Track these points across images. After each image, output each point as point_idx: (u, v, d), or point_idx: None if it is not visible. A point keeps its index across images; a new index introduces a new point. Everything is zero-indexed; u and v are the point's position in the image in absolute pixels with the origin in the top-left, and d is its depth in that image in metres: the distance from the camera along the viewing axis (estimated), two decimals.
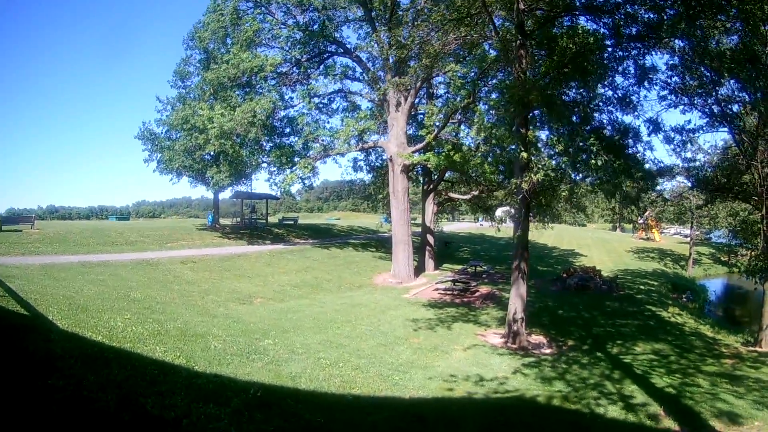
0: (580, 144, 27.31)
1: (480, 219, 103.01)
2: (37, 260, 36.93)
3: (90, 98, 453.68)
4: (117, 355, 15.80)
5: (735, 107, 37.26)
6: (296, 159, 54.60)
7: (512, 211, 70.90)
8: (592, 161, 26.13)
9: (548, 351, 27.41)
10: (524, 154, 26.58)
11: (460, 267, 60.01)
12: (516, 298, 28.81)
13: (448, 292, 42.62)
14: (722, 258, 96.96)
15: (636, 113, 29.47)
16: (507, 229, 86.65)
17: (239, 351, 19.60)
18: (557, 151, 27.67)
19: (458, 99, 46.98)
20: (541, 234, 56.20)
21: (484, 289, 45.49)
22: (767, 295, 36.27)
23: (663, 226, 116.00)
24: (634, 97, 28.93)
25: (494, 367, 23.16)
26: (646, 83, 29.17)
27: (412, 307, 36.50)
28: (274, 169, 57.98)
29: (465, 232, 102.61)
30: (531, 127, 28.96)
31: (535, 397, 19.01)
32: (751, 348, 34.32)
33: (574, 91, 29.82)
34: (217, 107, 52.29)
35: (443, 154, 48.32)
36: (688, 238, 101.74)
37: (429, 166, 51.43)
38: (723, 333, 40.92)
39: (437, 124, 50.07)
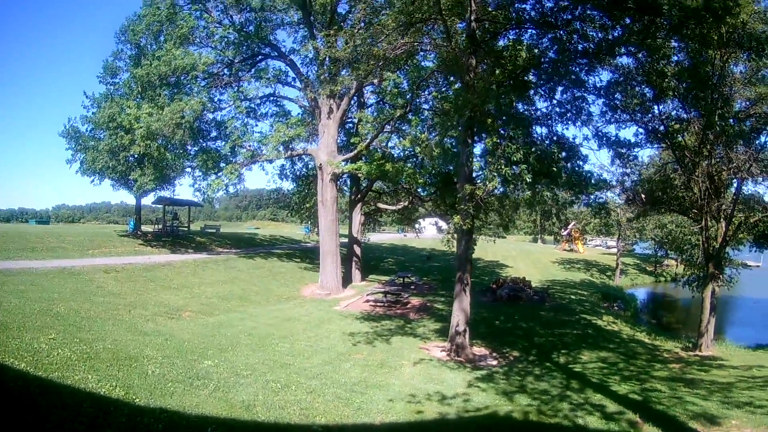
0: (538, 153, 28.02)
1: (402, 230, 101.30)
2: None
3: (10, 93, 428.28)
4: (44, 388, 14.08)
5: (676, 125, 38.07)
6: (222, 164, 53.36)
7: (440, 223, 70.30)
8: (553, 169, 27.83)
9: (494, 363, 27.48)
10: (476, 164, 28.01)
11: (387, 278, 60.01)
12: (459, 311, 28.55)
13: (379, 304, 42.43)
14: (648, 268, 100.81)
15: (577, 125, 31.54)
16: (426, 240, 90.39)
17: (180, 376, 18.10)
18: (515, 159, 26.47)
19: (393, 108, 46.73)
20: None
21: (415, 301, 45.39)
22: (705, 303, 37.82)
23: (586, 237, 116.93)
24: (576, 111, 30.75)
25: (449, 382, 22.69)
26: (587, 98, 31.13)
27: (345, 320, 36.04)
28: (199, 174, 56.89)
29: (388, 243, 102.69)
30: (477, 137, 29.74)
31: (509, 414, 18.59)
32: (691, 353, 36.29)
33: (521, 103, 30.68)
34: (144, 106, 51.16)
35: (374, 163, 46.92)
36: (614, 249, 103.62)
37: (359, 175, 50.95)
38: (660, 339, 42.65)
39: (367, 133, 50.00)
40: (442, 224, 70.70)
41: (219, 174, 52.33)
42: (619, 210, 74.03)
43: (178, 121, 48.71)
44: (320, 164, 49.61)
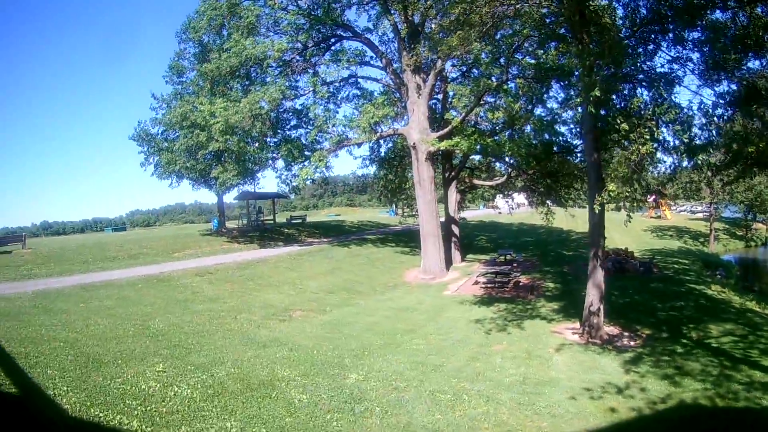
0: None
1: (491, 206, 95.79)
2: (29, 286, 30.62)
3: (73, 108, 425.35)
4: None
5: None
6: (306, 153, 49.77)
7: (521, 198, 65.31)
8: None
9: (631, 343, 25.14)
10: (625, 125, 23.95)
11: (485, 257, 56.05)
12: (593, 289, 26.31)
13: (489, 285, 38.98)
14: (738, 233, 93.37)
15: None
16: (515, 215, 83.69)
17: (333, 401, 15.82)
18: (666, 120, 24.42)
19: (489, 78, 39.36)
20: (553, 218, 51.82)
21: (524, 279, 41.98)
22: None
23: (671, 203, 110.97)
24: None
25: (607, 369, 20.96)
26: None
27: (463, 307, 33.13)
28: (283, 164, 52.29)
29: (476, 220, 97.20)
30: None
31: (696, 401, 17.25)
32: None
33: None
34: (218, 101, 47.09)
35: (472, 138, 41.86)
36: (699, 215, 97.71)
37: (457, 151, 46.17)
38: None
39: (465, 106, 45.40)
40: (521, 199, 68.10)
41: (305, 163, 48.82)
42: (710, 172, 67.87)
43: (257, 111, 45.48)
44: (413, 143, 45.96)
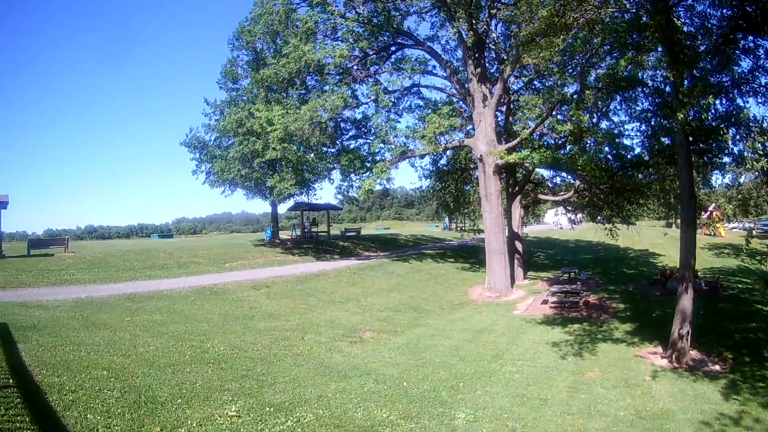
0: None
1: (558, 221, 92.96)
2: (70, 292, 28.14)
3: (122, 112, 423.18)
4: None
5: None
6: (367, 164, 46.21)
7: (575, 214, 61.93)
8: None
9: (718, 368, 23.42)
10: (728, 137, 24.23)
11: (547, 275, 51.78)
12: (681, 313, 24.50)
13: (559, 305, 36.19)
14: None
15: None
16: (569, 232, 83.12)
17: None
18: None
19: (562, 88, 38.26)
20: (604, 235, 51.99)
21: (592, 299, 38.76)
22: None
23: (724, 220, 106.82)
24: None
25: (711, 398, 19.28)
26: None
27: (538, 328, 30.51)
28: (341, 175, 49.57)
29: (532, 236, 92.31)
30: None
31: None
32: None
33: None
34: (275, 108, 44.94)
35: (542, 151, 39.92)
36: (754, 231, 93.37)
37: (526, 164, 43.82)
38: None
39: (536, 117, 42.95)
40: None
41: (367, 174, 45.36)
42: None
43: (317, 119, 43.43)
44: (480, 155, 42.37)
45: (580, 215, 60.18)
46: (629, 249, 71.04)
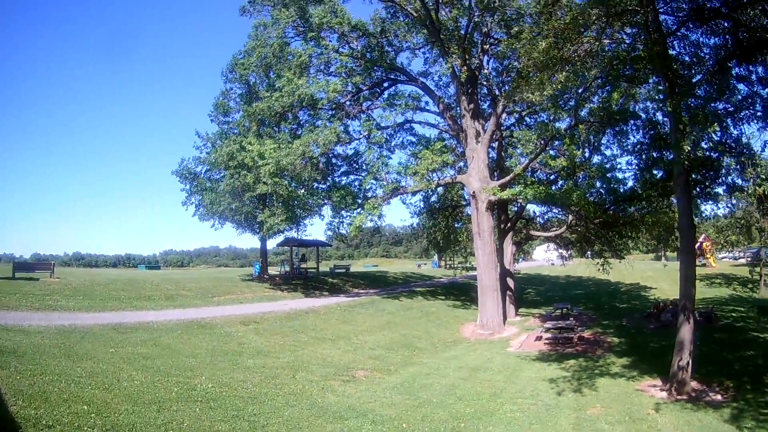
0: None
1: (549, 258, 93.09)
2: (54, 319, 27.00)
3: (113, 141, 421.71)
4: None
5: None
6: (358, 200, 46.16)
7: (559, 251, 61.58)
8: None
9: (720, 397, 23.17)
10: (732, 162, 24.74)
11: (538, 311, 51.15)
12: (682, 344, 24.24)
13: (553, 341, 35.77)
14: None
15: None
16: (557, 268, 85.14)
17: None
18: None
19: (557, 123, 38.96)
20: (595, 270, 52.66)
21: (586, 334, 38.22)
22: None
23: (713, 250, 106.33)
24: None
25: (720, 429, 18.90)
26: None
27: (533, 365, 30.04)
28: (331, 212, 49.27)
29: (522, 273, 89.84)
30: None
31: None
32: None
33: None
34: (267, 142, 44.64)
35: (537, 187, 39.88)
36: (742, 260, 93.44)
37: (520, 200, 43.20)
38: None
39: (529, 153, 42.63)
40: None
41: (358, 210, 45.41)
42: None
43: (310, 154, 42.68)
44: (473, 192, 42.20)
45: (570, 251, 60.76)
46: (620, 283, 71.12)
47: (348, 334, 35.18)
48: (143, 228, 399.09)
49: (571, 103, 35.91)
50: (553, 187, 42.78)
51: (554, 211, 52.15)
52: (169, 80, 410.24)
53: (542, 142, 40.10)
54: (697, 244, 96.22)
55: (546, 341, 35.68)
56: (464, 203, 54.34)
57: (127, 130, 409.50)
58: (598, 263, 50.17)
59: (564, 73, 24.96)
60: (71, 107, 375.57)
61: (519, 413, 20.27)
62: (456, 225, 59.02)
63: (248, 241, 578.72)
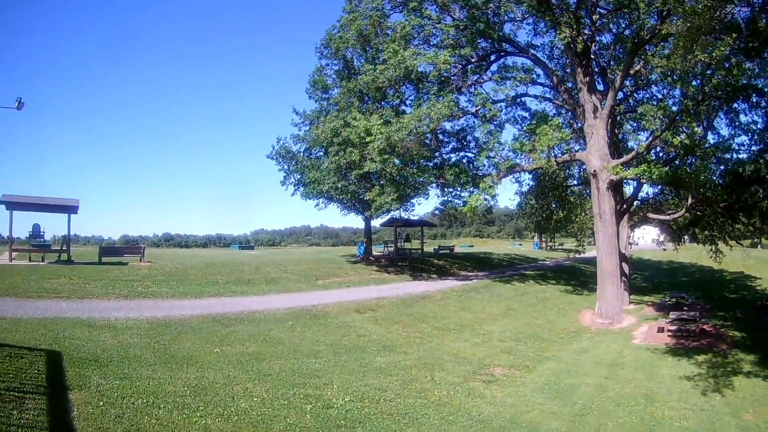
0: None
1: (659, 241, 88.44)
2: (144, 308, 23.79)
3: (202, 123, 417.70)
4: None
5: None
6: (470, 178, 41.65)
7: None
8: None
9: None
10: None
11: (652, 299, 45.67)
12: None
13: (677, 333, 31.53)
14: None
15: None
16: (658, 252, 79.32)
17: None
18: None
19: (683, 96, 35.21)
20: (696, 255, 49.19)
21: (707, 327, 33.40)
22: None
23: None
24: None
25: None
26: None
27: (665, 361, 26.58)
28: (439, 190, 46.03)
29: None
30: None
31: None
32: None
33: None
34: (374, 117, 40.49)
35: (661, 166, 35.61)
36: None
37: (643, 180, 38.21)
38: None
39: (656, 129, 36.68)
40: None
41: (473, 189, 40.76)
42: None
43: (422, 129, 38.92)
44: (594, 170, 37.57)
45: (684, 235, 56.50)
46: (724, 271, 65.12)
47: (471, 323, 31.66)
48: (230, 208, 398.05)
49: (698, 77, 32.51)
50: (669, 167, 38.00)
51: (665, 192, 48.28)
52: (258, 59, 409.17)
53: (667, 119, 35.41)
54: None
55: (669, 333, 31.75)
56: (573, 183, 51.11)
57: (215, 111, 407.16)
58: (710, 249, 46.58)
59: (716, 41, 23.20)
60: (160, 89, 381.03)
61: (684, 421, 18.13)
62: (553, 205, 55.46)
63: (339, 219, 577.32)
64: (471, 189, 41.20)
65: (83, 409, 10.97)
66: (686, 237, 56.32)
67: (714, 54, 24.49)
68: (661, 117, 35.70)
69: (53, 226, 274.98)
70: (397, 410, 15.42)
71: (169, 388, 13.40)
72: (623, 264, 42.56)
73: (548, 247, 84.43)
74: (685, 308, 37.49)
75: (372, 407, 15.16)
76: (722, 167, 37.85)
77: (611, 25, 39.67)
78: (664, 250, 69.03)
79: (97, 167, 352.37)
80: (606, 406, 19.04)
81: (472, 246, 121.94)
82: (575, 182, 51.15)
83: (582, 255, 60.54)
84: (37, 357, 13.59)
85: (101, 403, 11.37)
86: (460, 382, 20.14)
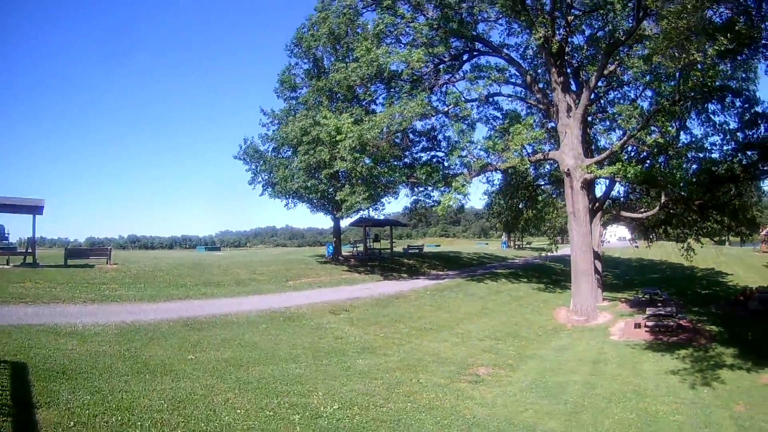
0: None
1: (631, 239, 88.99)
2: (112, 313, 22.68)
3: (168, 123, 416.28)
4: None
5: None
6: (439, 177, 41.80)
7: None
8: None
9: None
10: None
11: (625, 295, 46.70)
12: None
13: (654, 329, 31.72)
14: None
15: None
16: (626, 249, 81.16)
17: None
18: None
19: (659, 96, 35.99)
20: (665, 253, 49.85)
21: (683, 322, 33.69)
22: None
23: None
24: None
25: None
26: None
27: (646, 356, 26.76)
28: (411, 190, 46.20)
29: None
30: None
31: None
32: None
33: None
34: (344, 116, 39.83)
35: (635, 165, 36.36)
36: None
37: (617, 179, 40.23)
38: None
39: (631, 128, 37.59)
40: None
41: (443, 188, 41.37)
42: None
43: (395, 128, 39.37)
44: (567, 169, 37.89)
45: (653, 234, 56.56)
46: (695, 268, 66.06)
47: (448, 323, 31.16)
48: (195, 209, 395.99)
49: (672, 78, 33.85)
50: (643, 166, 38.94)
51: (637, 191, 48.56)
52: (223, 59, 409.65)
53: (642, 118, 36.17)
54: (766, 230, 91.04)
55: (646, 329, 31.82)
56: (542, 183, 51.35)
57: (179, 111, 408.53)
58: (682, 247, 47.21)
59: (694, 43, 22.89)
60: (122, 87, 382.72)
61: (678, 416, 17.92)
62: (521, 205, 54.60)
63: (305, 220, 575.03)
64: (443, 188, 41.20)
65: (49, 419, 9.93)
66: (653, 235, 56.17)
67: (709, 53, 24.61)
68: (637, 116, 36.48)
69: (17, 228, 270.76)
70: (389, 416, 14.62)
71: (145, 402, 12.23)
72: (596, 261, 42.56)
73: (516, 246, 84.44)
74: (659, 304, 37.27)
75: (363, 414, 14.29)
76: (694, 166, 38.68)
77: (584, 27, 40.17)
78: (636, 247, 69.11)
79: (61, 167, 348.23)
80: (598, 404, 18.75)
81: (438, 246, 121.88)
82: (544, 182, 51.21)
83: (552, 254, 59.41)
84: (0, 370, 12.39)
85: (72, 423, 10.20)
86: (447, 383, 19.52)
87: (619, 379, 22.21)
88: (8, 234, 38.08)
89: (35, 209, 35.23)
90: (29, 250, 36.25)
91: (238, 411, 12.77)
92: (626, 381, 21.97)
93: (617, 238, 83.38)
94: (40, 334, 17.27)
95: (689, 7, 20.56)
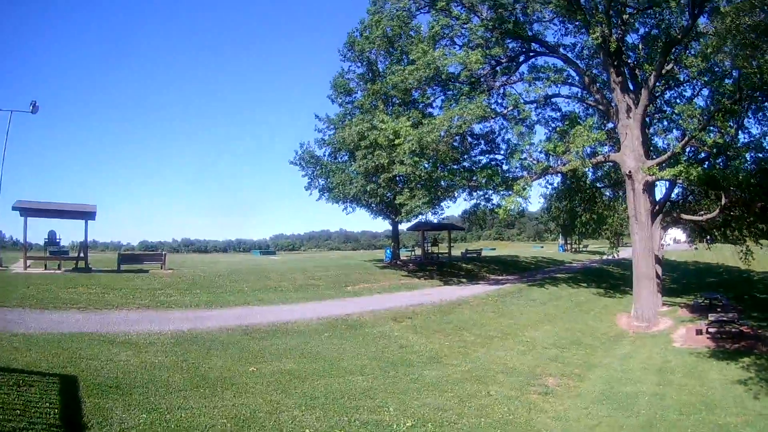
0: None
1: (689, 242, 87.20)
2: (167, 322, 21.83)
3: (213, 129, 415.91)
4: None
5: None
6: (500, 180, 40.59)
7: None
8: None
9: None
10: None
11: (684, 300, 44.33)
12: None
13: (716, 336, 30.42)
14: None
15: None
16: (683, 252, 78.61)
17: None
18: None
19: (721, 95, 34.50)
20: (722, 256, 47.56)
21: (744, 328, 32.22)
22: None
23: None
24: None
25: None
26: None
27: (710, 364, 25.31)
28: (467, 192, 44.44)
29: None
30: None
31: None
32: None
33: None
34: (401, 119, 39.35)
35: (697, 167, 34.71)
36: None
37: (679, 181, 38.25)
38: None
39: (690, 129, 36.03)
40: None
41: (506, 191, 39.51)
42: None
43: (456, 131, 38.11)
44: (629, 171, 36.69)
45: (712, 237, 54.27)
46: (752, 271, 62.53)
47: (512, 330, 30.21)
48: (249, 213, 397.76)
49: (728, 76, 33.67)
50: (703, 167, 36.96)
51: (695, 193, 46.72)
52: (278, 65, 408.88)
53: (703, 117, 34.72)
54: None
55: (708, 336, 30.57)
56: (601, 185, 49.56)
57: (234, 118, 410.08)
58: (740, 250, 45.97)
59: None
60: (177, 94, 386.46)
61: (748, 428, 16.91)
62: (585, 208, 52.89)
63: (360, 224, 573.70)
64: (503, 191, 39.99)
65: None
66: (709, 237, 55.05)
67: None
68: (698, 116, 35.05)
69: (70, 233, 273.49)
70: None
71: (206, 420, 11.58)
72: (656, 266, 41.00)
73: (573, 250, 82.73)
74: (719, 309, 35.62)
75: None
76: (753, 166, 36.58)
77: (637, 25, 39.29)
78: (696, 249, 67.47)
79: (115, 172, 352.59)
80: (669, 416, 17.96)
81: (494, 249, 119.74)
82: (602, 184, 49.67)
83: (609, 257, 59.33)
84: (49, 384, 11.70)
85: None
86: (517, 395, 18.81)
87: (686, 389, 21.37)
88: (60, 239, 37.80)
89: (88, 215, 35.33)
90: (81, 255, 35.92)
91: (305, 429, 12.13)
92: (694, 391, 21.09)
93: (672, 240, 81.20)
94: (92, 343, 16.85)
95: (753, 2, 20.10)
